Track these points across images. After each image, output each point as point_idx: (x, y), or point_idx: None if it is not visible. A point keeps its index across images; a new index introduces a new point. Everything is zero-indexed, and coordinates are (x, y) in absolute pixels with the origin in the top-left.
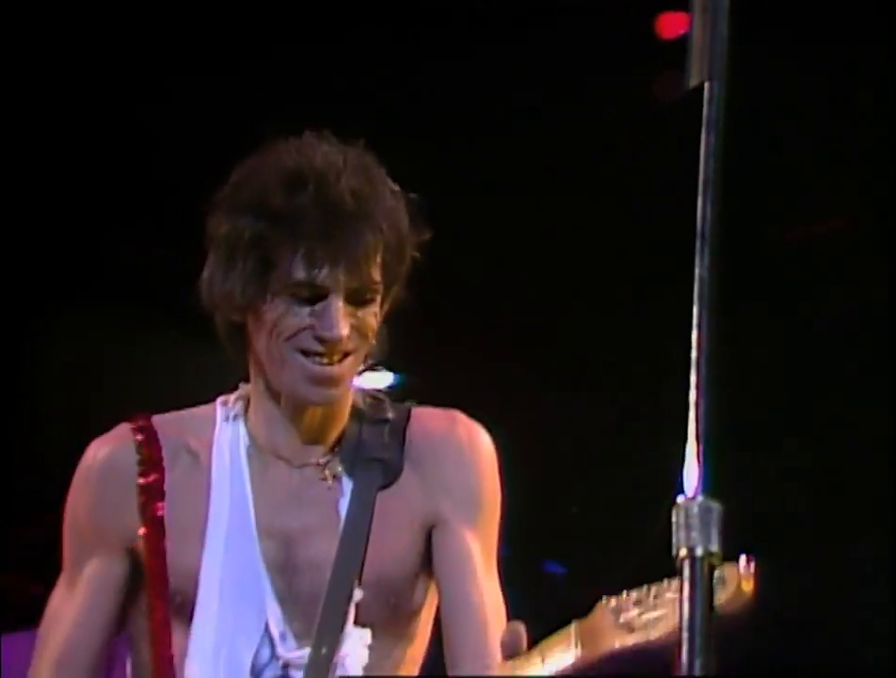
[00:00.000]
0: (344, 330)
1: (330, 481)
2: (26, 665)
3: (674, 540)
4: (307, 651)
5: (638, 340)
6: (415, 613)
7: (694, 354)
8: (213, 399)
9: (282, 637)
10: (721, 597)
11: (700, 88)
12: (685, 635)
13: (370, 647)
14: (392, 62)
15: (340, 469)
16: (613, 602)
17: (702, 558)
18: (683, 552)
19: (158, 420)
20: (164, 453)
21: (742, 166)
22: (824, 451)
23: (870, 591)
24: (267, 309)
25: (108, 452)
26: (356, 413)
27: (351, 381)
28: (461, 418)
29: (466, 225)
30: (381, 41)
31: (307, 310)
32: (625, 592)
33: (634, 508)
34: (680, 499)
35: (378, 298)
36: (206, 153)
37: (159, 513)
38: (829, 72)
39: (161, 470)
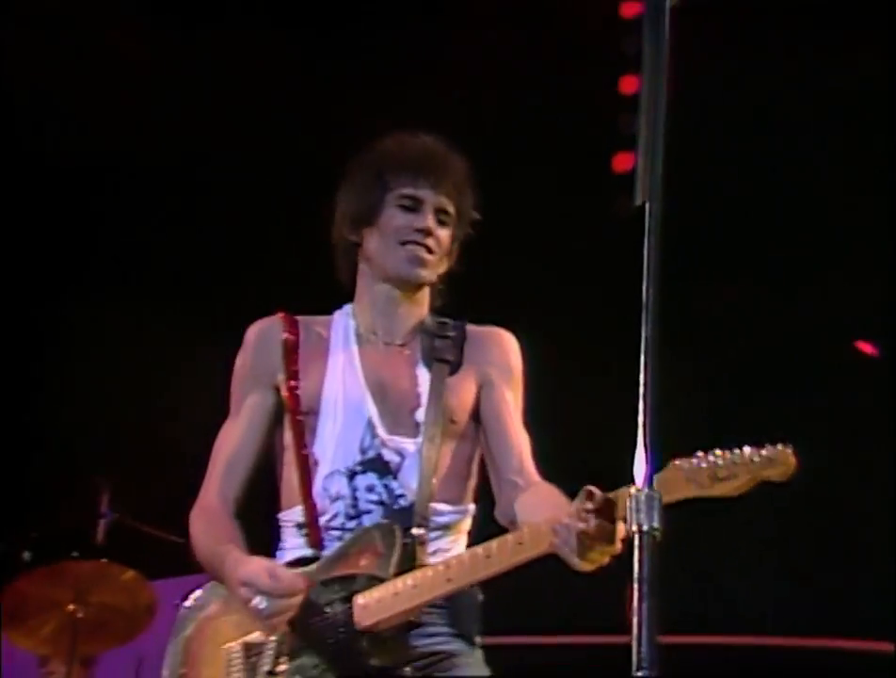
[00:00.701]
0: (432, 225)
1: (408, 355)
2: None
3: (628, 520)
4: (394, 437)
5: None
6: (465, 432)
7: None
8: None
9: (379, 426)
10: (773, 473)
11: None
12: (637, 585)
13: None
14: None
15: (417, 355)
16: (684, 462)
17: (648, 532)
18: (635, 528)
19: (297, 316)
20: (299, 328)
21: None
22: None
23: None
24: (383, 217)
25: (262, 324)
26: (429, 326)
27: (433, 277)
28: (500, 328)
29: None
30: None
31: (409, 215)
32: (695, 455)
33: None
34: (632, 489)
35: (451, 229)
36: None
37: (294, 365)
38: None
39: (297, 336)
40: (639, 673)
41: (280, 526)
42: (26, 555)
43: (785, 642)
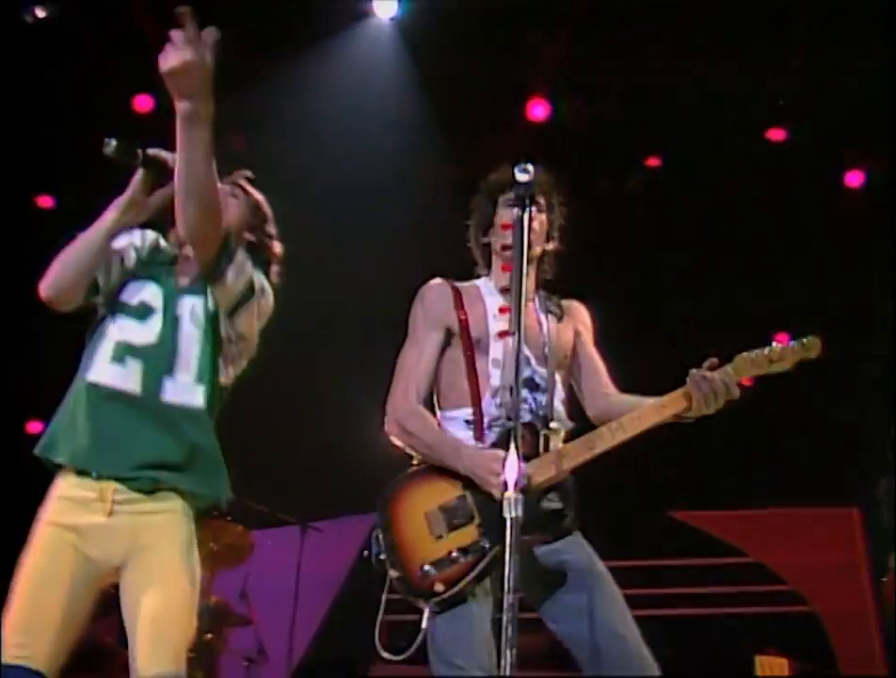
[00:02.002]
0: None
1: (532, 307)
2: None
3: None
4: (537, 366)
5: None
6: (568, 364)
7: None
8: None
9: (530, 355)
10: (809, 355)
11: None
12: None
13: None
14: None
15: (538, 308)
16: (749, 353)
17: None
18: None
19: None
20: (458, 287)
21: None
22: None
23: None
24: (498, 216)
25: (434, 284)
26: (542, 296)
27: (540, 254)
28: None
29: None
30: None
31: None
32: (756, 350)
33: None
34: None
35: (544, 215)
36: None
37: (462, 309)
38: None
39: (459, 291)
40: None
41: (444, 419)
42: None
43: None
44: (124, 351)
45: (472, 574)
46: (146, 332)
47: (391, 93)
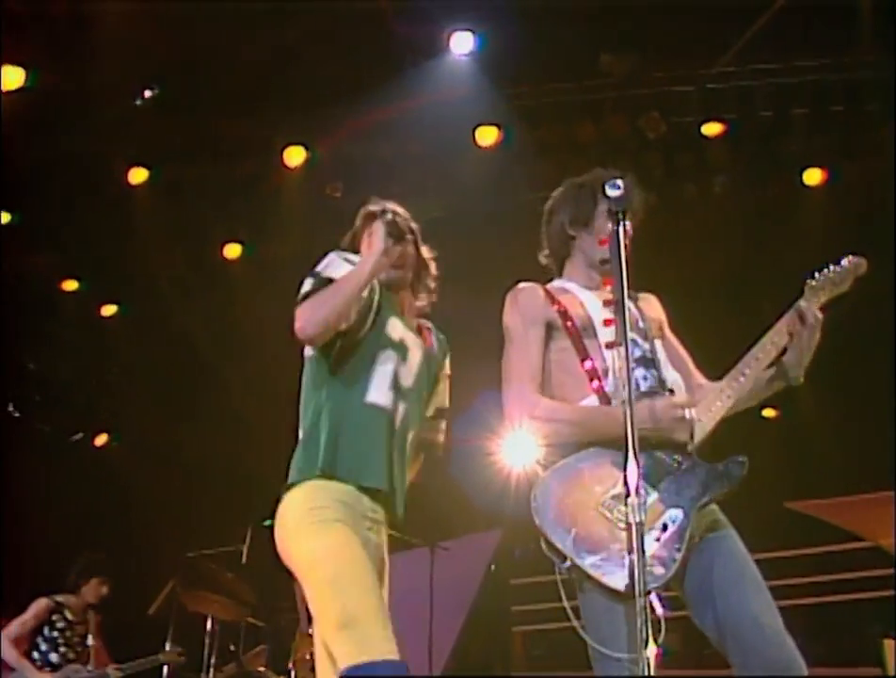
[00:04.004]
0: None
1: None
2: None
3: None
4: (644, 343)
5: None
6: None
7: None
8: None
9: (635, 336)
10: (862, 271)
11: None
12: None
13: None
14: None
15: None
16: (813, 281)
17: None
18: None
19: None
20: (546, 286)
21: None
22: None
23: None
24: (598, 222)
25: (522, 289)
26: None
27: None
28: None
29: None
30: None
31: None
32: (815, 274)
33: None
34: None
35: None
36: None
37: (561, 305)
38: None
39: (549, 290)
40: None
41: None
42: None
43: None
44: (397, 385)
45: (685, 544)
46: (406, 374)
47: (470, 126)
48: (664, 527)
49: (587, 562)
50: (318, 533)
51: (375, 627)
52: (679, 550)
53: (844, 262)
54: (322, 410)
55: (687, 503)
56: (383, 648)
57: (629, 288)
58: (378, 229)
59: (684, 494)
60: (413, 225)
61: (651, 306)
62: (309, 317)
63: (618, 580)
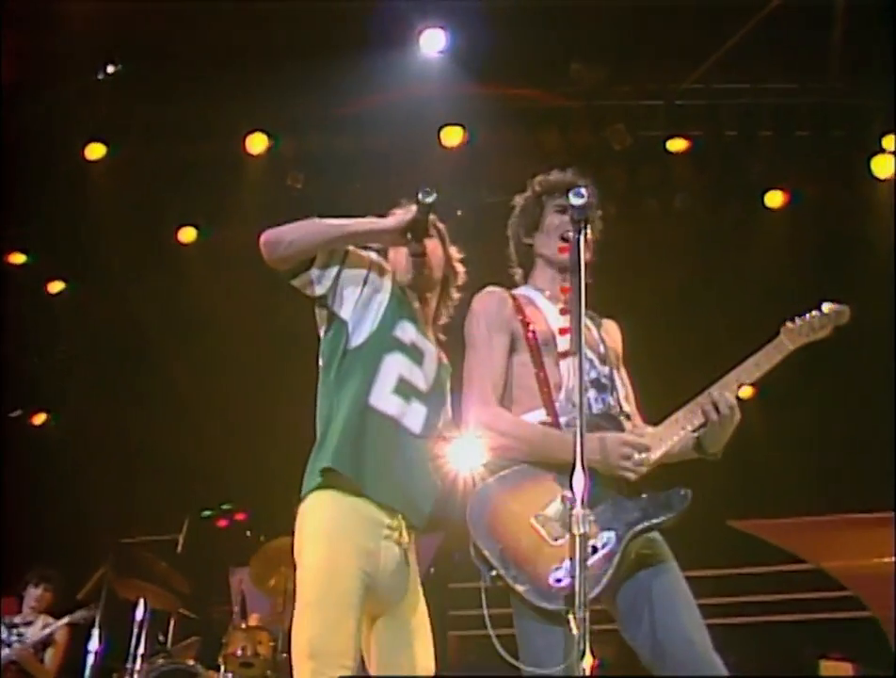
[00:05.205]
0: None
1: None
2: None
3: None
4: (602, 365)
5: None
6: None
7: None
8: None
9: (593, 357)
10: (842, 320)
11: None
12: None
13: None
14: None
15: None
16: (792, 324)
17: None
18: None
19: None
20: (514, 294)
21: None
22: None
23: None
24: (547, 221)
25: (490, 293)
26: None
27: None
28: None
29: None
30: None
31: (565, 216)
32: (796, 318)
33: None
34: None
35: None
36: None
37: (524, 314)
38: None
39: (515, 297)
40: None
41: None
42: None
43: None
44: (406, 389)
45: (612, 568)
46: (420, 378)
47: (437, 125)
48: (594, 550)
49: (511, 574)
50: (316, 549)
51: (334, 661)
52: (605, 572)
53: (825, 308)
54: (329, 417)
55: (622, 528)
56: None
57: (588, 309)
58: (413, 209)
59: (620, 519)
60: (440, 224)
61: (611, 335)
62: (279, 232)
63: (539, 597)
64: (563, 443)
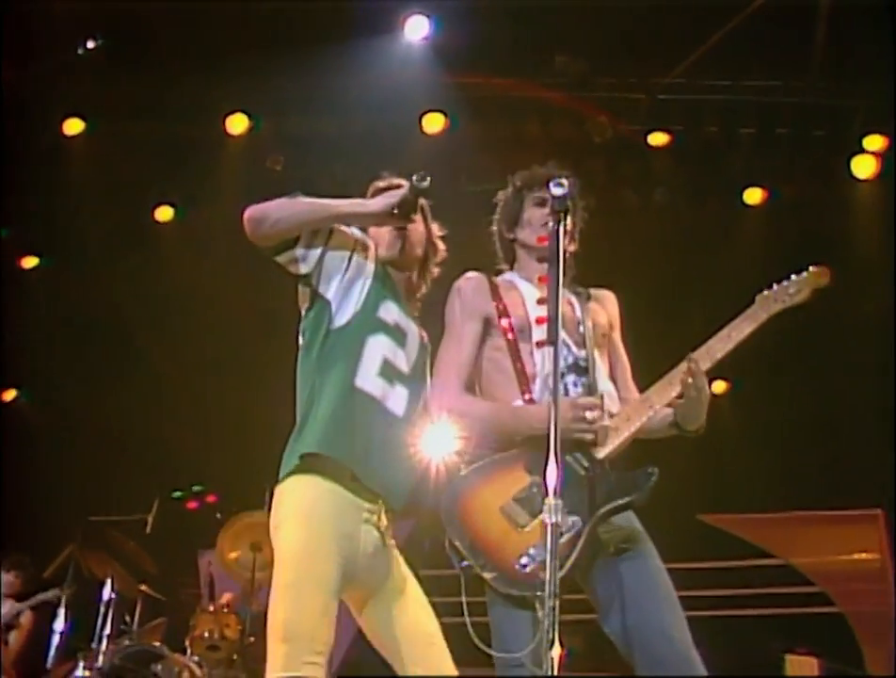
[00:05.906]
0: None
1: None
2: None
3: None
4: (579, 348)
5: None
6: (609, 342)
7: None
8: None
9: (569, 341)
10: (822, 282)
11: None
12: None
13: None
14: None
15: (567, 289)
16: (767, 291)
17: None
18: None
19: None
20: (496, 280)
21: None
22: None
23: None
24: (527, 214)
25: (471, 277)
26: (569, 283)
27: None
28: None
29: None
30: None
31: (545, 209)
32: (772, 285)
33: None
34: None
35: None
36: None
37: (501, 302)
38: None
39: (496, 285)
40: None
41: None
42: None
43: None
44: (389, 371)
45: (577, 551)
46: (402, 360)
47: (420, 111)
48: (560, 535)
49: (480, 563)
50: (295, 531)
51: (307, 646)
52: (569, 556)
53: (805, 272)
54: (312, 398)
55: (586, 511)
56: (307, 670)
57: (578, 285)
58: (403, 190)
59: (585, 502)
60: (423, 201)
61: (603, 306)
62: (265, 209)
63: (505, 583)
64: (515, 417)
